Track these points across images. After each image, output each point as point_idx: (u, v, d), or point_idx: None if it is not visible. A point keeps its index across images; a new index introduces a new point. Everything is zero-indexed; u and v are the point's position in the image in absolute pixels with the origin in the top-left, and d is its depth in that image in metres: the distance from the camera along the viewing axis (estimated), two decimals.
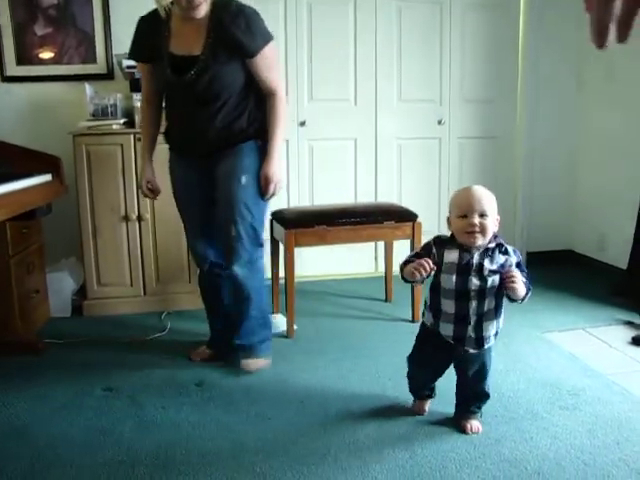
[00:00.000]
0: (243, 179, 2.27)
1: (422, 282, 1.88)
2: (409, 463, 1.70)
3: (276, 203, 3.51)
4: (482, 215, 1.76)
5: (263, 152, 2.31)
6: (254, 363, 2.42)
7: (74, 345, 2.71)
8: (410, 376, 2.08)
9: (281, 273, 3.11)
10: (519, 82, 3.96)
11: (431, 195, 3.97)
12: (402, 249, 3.18)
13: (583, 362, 2.51)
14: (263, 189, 2.31)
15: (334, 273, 3.83)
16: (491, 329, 1.88)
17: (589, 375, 2.39)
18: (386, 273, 3.28)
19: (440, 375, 2.03)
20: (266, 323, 2.50)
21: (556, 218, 4.13)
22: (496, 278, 1.80)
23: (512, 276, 1.75)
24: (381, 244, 3.66)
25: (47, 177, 2.71)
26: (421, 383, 2.08)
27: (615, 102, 3.66)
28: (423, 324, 1.99)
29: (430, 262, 1.78)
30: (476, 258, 1.80)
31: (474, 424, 1.97)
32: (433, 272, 1.83)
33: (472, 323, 1.84)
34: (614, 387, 2.28)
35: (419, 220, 2.97)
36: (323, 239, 2.83)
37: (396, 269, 3.19)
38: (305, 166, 3.77)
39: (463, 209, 1.79)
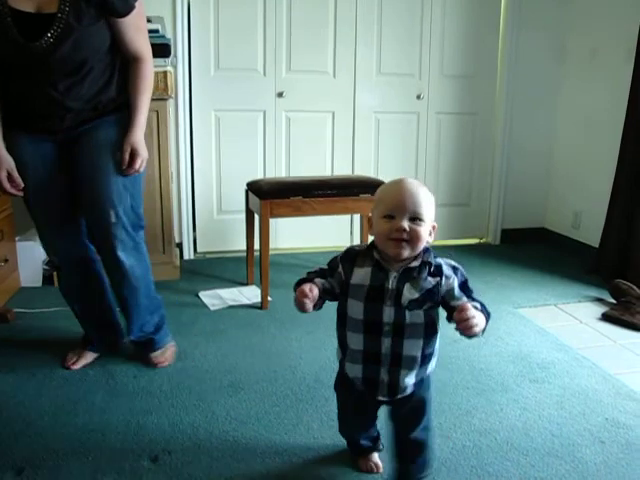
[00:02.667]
0: (118, 154, 1.94)
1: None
2: (383, 430, 1.70)
3: (252, 173, 3.50)
4: (414, 219, 1.31)
5: None
6: (163, 356, 2.22)
7: (45, 315, 2.66)
8: (341, 430, 1.69)
9: (256, 245, 3.09)
10: (499, 58, 3.95)
11: (408, 170, 3.96)
12: None
13: (554, 337, 2.55)
14: (127, 162, 1.94)
15: (309, 246, 3.82)
16: (412, 376, 1.40)
17: (559, 349, 2.43)
18: None
19: (369, 426, 1.63)
20: (157, 308, 2.23)
21: (531, 196, 4.16)
22: (421, 313, 1.35)
23: (464, 316, 1.24)
24: (357, 217, 3.65)
25: None
26: (349, 434, 1.67)
27: (596, 80, 3.67)
28: (340, 364, 1.53)
29: (315, 291, 1.33)
30: (392, 281, 1.34)
31: None
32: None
33: (385, 365, 1.39)
34: (583, 361, 2.32)
35: None
36: (299, 210, 2.81)
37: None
38: (282, 137, 3.73)
39: (390, 207, 1.33)
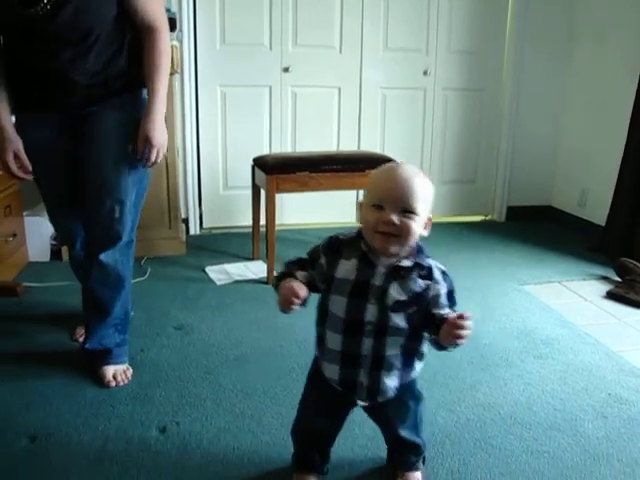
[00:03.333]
0: (130, 146, 1.80)
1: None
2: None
3: (258, 149, 3.49)
4: (406, 211, 1.18)
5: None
6: (116, 375, 1.93)
7: (53, 289, 2.68)
8: (293, 431, 1.50)
9: (262, 221, 3.10)
10: (507, 34, 3.90)
11: (414, 146, 3.95)
12: None
13: (558, 314, 2.56)
14: (142, 154, 1.79)
15: (315, 222, 3.82)
16: (394, 379, 1.30)
17: (563, 326, 2.44)
18: None
19: (332, 433, 1.46)
20: (123, 328, 2.02)
21: (538, 173, 4.14)
22: (404, 315, 1.23)
23: (459, 326, 1.14)
24: (363, 193, 3.65)
25: None
26: (304, 437, 1.49)
27: (606, 58, 3.63)
28: (316, 357, 1.40)
29: (303, 292, 1.20)
30: (379, 278, 1.23)
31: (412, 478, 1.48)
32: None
33: (366, 367, 1.28)
34: (586, 338, 2.34)
35: None
36: (305, 186, 2.80)
37: None
38: (288, 113, 3.71)
39: (379, 196, 1.20)
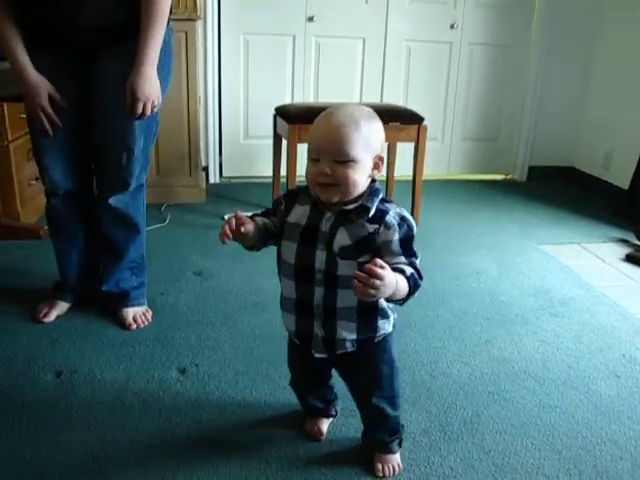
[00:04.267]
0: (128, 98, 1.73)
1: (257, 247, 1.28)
2: (402, 355, 1.74)
3: (279, 98, 3.46)
4: (339, 161, 1.12)
5: (164, 50, 1.76)
6: (135, 318, 1.98)
7: None
8: (290, 383, 1.52)
9: (282, 172, 3.10)
10: None
11: (437, 101, 3.90)
12: (405, 152, 3.17)
13: (576, 274, 2.56)
14: (126, 105, 1.70)
15: None
16: (351, 331, 1.24)
17: (580, 287, 2.44)
18: (387, 175, 3.25)
19: (317, 384, 1.47)
20: (140, 272, 2.04)
21: (561, 134, 4.08)
22: (355, 264, 1.15)
23: (372, 273, 1.00)
24: (384, 146, 3.62)
25: None
26: (296, 389, 1.50)
27: (637, 17, 3.52)
28: None
29: (244, 226, 1.17)
30: (326, 223, 1.18)
31: (389, 463, 1.39)
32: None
33: (320, 316, 1.24)
34: (604, 299, 2.34)
35: (425, 123, 2.92)
36: None
37: (399, 172, 3.20)
38: (311, 62, 3.66)
39: (313, 148, 1.15)
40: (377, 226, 1.15)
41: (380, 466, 1.38)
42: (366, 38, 3.70)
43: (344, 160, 1.12)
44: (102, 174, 1.90)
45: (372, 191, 1.18)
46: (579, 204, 3.57)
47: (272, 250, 1.30)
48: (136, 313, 1.99)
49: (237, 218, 1.17)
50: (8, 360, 1.74)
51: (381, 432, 1.39)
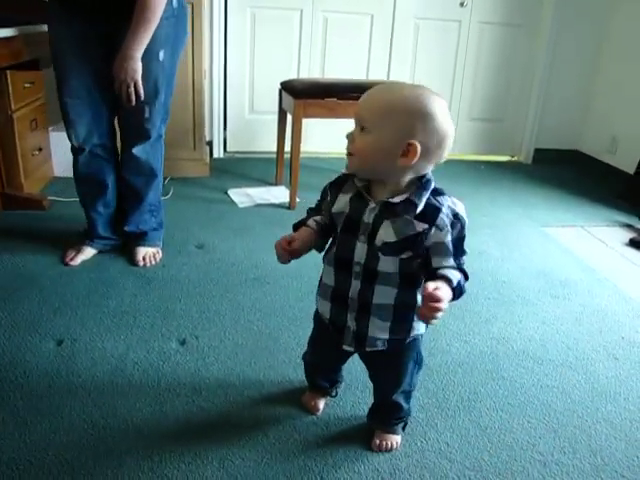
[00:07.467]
0: (161, 54, 1.93)
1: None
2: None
3: (285, 74, 3.43)
4: (363, 128, 1.07)
5: (181, 16, 1.98)
6: (146, 256, 2.20)
7: (77, 204, 2.70)
8: (303, 356, 1.51)
9: (286, 147, 3.08)
10: None
11: (445, 80, 3.86)
12: None
13: (578, 257, 2.56)
14: (117, 92, 1.89)
15: (338, 151, 3.78)
16: (384, 330, 1.20)
17: (582, 269, 2.44)
18: None
19: (332, 368, 1.49)
20: (157, 213, 2.27)
21: (568, 116, 4.05)
22: (397, 260, 1.12)
23: (433, 298, 0.98)
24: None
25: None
26: (309, 365, 1.50)
27: None
28: None
29: (296, 244, 1.18)
30: (369, 214, 1.12)
31: (387, 440, 1.39)
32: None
33: (353, 310, 1.20)
34: (605, 282, 2.34)
35: None
36: (332, 112, 2.76)
37: None
38: (318, 38, 3.62)
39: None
40: (427, 226, 1.07)
41: (378, 442, 1.39)
42: (374, 14, 3.65)
43: (366, 128, 1.06)
44: (126, 127, 2.10)
45: (421, 184, 1.10)
46: (584, 187, 3.55)
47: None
48: (147, 253, 2.21)
49: (283, 242, 1.18)
50: (10, 328, 1.75)
51: (389, 418, 1.40)
